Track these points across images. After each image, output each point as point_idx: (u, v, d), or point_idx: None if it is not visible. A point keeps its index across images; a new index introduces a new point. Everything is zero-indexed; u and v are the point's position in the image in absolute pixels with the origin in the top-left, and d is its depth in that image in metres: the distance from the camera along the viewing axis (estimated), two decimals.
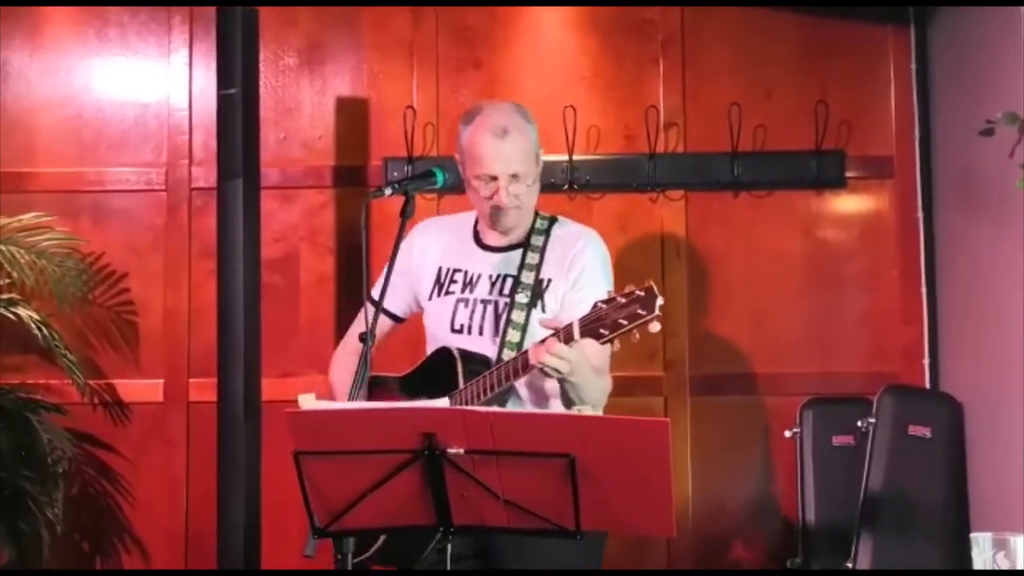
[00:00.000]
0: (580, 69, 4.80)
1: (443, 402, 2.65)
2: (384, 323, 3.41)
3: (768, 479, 4.65)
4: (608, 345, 2.94)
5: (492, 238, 3.34)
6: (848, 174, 4.72)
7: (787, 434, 4.45)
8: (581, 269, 3.24)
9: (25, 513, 4.35)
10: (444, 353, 3.23)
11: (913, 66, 4.75)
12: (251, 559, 4.17)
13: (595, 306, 2.87)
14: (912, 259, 4.70)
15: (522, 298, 3.22)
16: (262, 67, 4.46)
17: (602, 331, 2.84)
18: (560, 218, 3.37)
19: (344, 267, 4.75)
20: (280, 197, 4.76)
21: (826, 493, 4.32)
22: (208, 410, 4.41)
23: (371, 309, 3.38)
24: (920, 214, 4.70)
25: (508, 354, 3.14)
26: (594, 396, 3.10)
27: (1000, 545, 2.80)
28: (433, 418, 2.57)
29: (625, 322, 2.80)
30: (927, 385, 4.62)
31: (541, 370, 2.96)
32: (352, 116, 4.80)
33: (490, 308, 3.26)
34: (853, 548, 4.15)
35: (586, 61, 4.81)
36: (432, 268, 3.38)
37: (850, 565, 4.14)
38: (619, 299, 2.82)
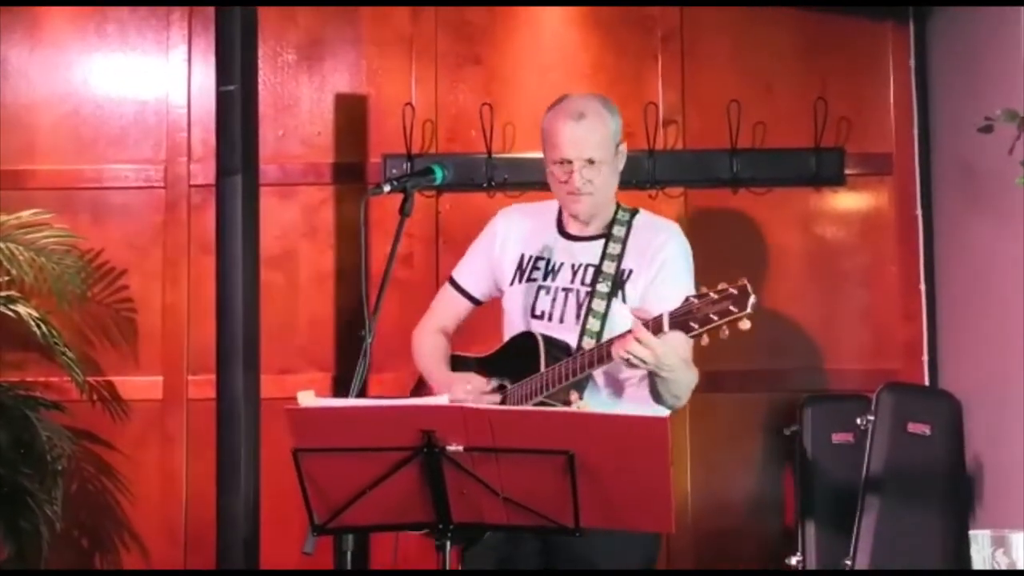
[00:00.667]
0: (580, 65, 4.79)
1: (443, 399, 2.65)
2: (463, 306, 3.52)
3: (767, 476, 4.64)
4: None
5: (574, 227, 3.37)
6: (847, 171, 4.71)
7: (786, 431, 4.45)
8: (663, 262, 3.28)
9: (24, 510, 4.35)
10: (527, 337, 3.27)
11: (912, 63, 4.74)
12: (250, 556, 4.17)
13: (686, 300, 2.88)
14: (911, 256, 4.69)
15: (603, 287, 3.25)
16: (261, 63, 4.46)
17: (692, 324, 2.85)
18: (641, 210, 3.41)
19: (343, 264, 4.75)
20: (279, 194, 4.76)
21: (825, 491, 4.31)
22: (207, 407, 4.40)
23: (450, 290, 3.51)
24: (919, 211, 4.70)
25: (588, 342, 3.17)
26: (683, 391, 3.14)
27: (999, 543, 2.81)
28: (432, 415, 2.57)
29: (716, 317, 2.82)
30: (926, 382, 4.61)
31: (627, 361, 2.95)
32: (351, 113, 4.80)
33: (571, 296, 3.29)
34: (852, 546, 4.15)
35: (586, 57, 4.80)
36: (514, 254, 3.42)
37: (849, 563, 4.14)
38: (711, 295, 2.84)
